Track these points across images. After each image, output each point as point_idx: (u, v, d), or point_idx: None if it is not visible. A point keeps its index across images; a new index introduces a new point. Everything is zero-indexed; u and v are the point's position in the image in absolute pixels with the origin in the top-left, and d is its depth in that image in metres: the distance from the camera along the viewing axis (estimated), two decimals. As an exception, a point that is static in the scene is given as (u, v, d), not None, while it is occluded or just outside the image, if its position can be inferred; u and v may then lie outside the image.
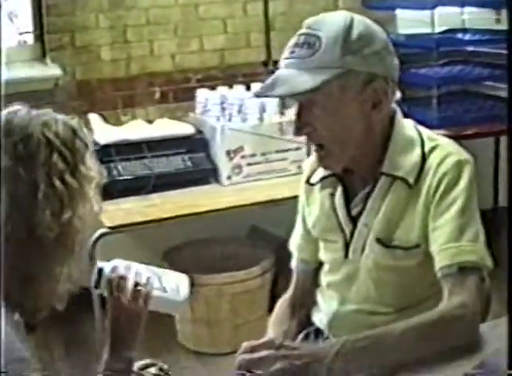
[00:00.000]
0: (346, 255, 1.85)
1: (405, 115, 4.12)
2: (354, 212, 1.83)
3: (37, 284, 1.37)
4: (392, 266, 1.75)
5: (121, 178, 3.33)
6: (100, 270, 1.63)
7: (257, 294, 3.53)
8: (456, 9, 4.25)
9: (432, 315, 1.64)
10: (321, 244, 1.96)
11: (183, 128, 3.65)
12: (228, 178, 3.53)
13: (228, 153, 3.51)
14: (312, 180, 1.94)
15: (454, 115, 3.92)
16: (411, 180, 1.76)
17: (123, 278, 1.60)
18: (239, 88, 3.84)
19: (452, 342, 1.60)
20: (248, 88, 3.86)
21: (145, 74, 3.90)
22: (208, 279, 3.42)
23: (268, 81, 1.72)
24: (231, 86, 3.88)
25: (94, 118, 3.55)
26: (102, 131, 3.44)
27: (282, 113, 3.69)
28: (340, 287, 1.86)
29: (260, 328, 3.58)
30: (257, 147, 3.56)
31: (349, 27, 1.69)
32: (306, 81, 1.65)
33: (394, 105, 1.85)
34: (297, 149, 3.64)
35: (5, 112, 1.42)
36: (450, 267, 1.67)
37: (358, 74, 1.69)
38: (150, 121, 3.79)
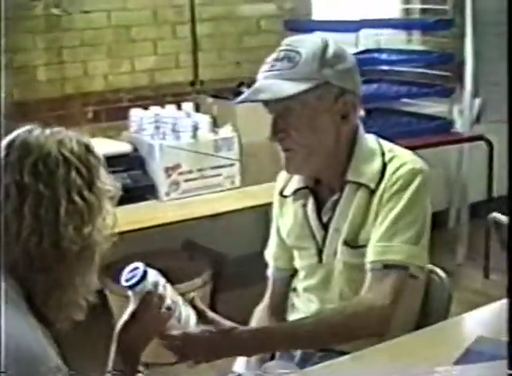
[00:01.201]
0: (320, 260, 2.02)
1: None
2: (325, 219, 2.01)
3: (61, 295, 1.44)
4: (360, 265, 1.92)
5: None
6: (145, 274, 1.69)
7: (198, 305, 3.66)
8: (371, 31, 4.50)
9: (339, 309, 1.91)
10: (295, 253, 2.12)
11: (121, 147, 3.76)
12: (167, 194, 3.67)
13: (166, 170, 3.65)
14: (286, 192, 2.11)
15: (371, 132, 4.12)
16: (372, 186, 1.95)
17: (161, 297, 1.68)
18: (171, 108, 3.98)
19: (358, 334, 1.85)
20: (179, 108, 4.01)
21: (79, 94, 3.99)
22: (154, 291, 3.53)
23: (250, 89, 1.91)
24: (162, 105, 4.01)
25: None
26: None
27: (214, 132, 3.85)
28: (317, 289, 2.03)
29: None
30: (193, 164, 3.71)
31: (326, 46, 1.90)
32: (288, 88, 1.85)
33: (358, 120, 2.03)
34: (231, 165, 3.82)
35: (18, 132, 1.49)
36: (375, 263, 1.88)
37: (332, 87, 1.89)
38: (86, 141, 3.87)
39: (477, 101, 4.65)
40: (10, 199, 1.40)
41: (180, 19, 4.24)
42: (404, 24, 4.70)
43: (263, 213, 4.54)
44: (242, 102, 1.98)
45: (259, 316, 2.19)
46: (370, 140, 2.04)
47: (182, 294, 3.54)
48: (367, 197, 1.96)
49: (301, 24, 4.48)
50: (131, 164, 3.72)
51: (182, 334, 1.75)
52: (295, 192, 2.09)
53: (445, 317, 2.00)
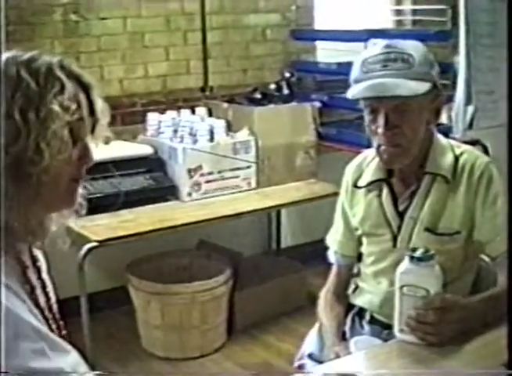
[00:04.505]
0: (394, 245, 2.18)
1: (335, 137, 4.48)
2: (401, 208, 2.17)
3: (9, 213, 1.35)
4: (439, 250, 2.03)
5: (92, 196, 3.50)
6: None
7: (221, 301, 3.79)
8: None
9: (497, 290, 2.03)
10: (366, 240, 2.26)
11: (142, 149, 3.88)
12: (189, 194, 3.80)
13: (189, 171, 3.78)
14: (360, 184, 2.26)
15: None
16: (449, 177, 2.12)
17: None
18: (186, 112, 4.12)
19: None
20: (193, 112, 4.15)
21: (95, 99, 4.07)
22: (183, 287, 3.65)
23: (365, 86, 2.01)
24: (173, 110, 4.15)
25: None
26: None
27: (230, 135, 4.00)
28: (388, 272, 2.16)
29: (222, 332, 3.87)
30: (213, 166, 3.86)
31: (426, 49, 2.08)
32: (418, 86, 1.99)
33: None
34: (248, 167, 3.98)
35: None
36: (504, 253, 2.03)
37: (435, 86, 2.05)
38: (106, 143, 3.97)
39: (470, 108, 4.86)
40: None
41: (191, 27, 4.38)
42: (408, 35, 4.87)
43: (276, 213, 4.73)
44: (369, 98, 2.04)
45: (327, 300, 2.33)
46: (440, 136, 2.21)
47: (211, 289, 3.70)
48: (444, 188, 2.13)
49: (307, 33, 4.66)
50: (151, 165, 3.85)
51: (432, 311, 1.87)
52: (370, 183, 2.23)
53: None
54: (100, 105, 1.50)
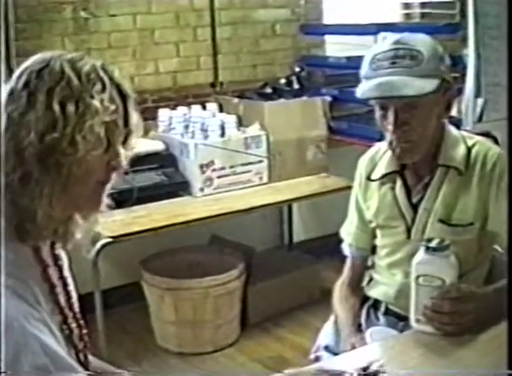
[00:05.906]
0: (408, 237, 2.19)
1: (346, 131, 4.49)
2: (414, 200, 2.18)
3: (20, 199, 1.38)
4: (453, 241, 2.03)
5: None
6: None
7: (234, 295, 3.81)
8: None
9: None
10: (380, 232, 2.28)
11: (154, 145, 3.89)
12: (201, 190, 3.81)
13: (201, 166, 3.80)
14: (373, 177, 2.27)
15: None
16: (462, 169, 2.13)
17: None
18: (197, 108, 4.14)
19: None
20: (204, 108, 4.16)
21: (107, 95, 4.10)
22: (196, 283, 3.67)
23: (373, 85, 2.01)
24: (184, 106, 4.16)
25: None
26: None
27: (241, 130, 4.01)
28: (403, 263, 2.18)
29: (236, 327, 3.89)
30: (225, 161, 3.88)
31: (437, 44, 2.07)
32: (424, 85, 1.99)
33: None
34: (260, 162, 3.99)
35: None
36: None
37: (445, 81, 2.05)
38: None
39: (480, 101, 4.85)
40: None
41: (201, 23, 4.40)
42: (417, 28, 4.88)
43: (287, 208, 4.75)
44: (380, 98, 2.04)
45: (342, 292, 2.34)
46: (452, 128, 2.21)
47: (224, 284, 3.72)
48: (457, 180, 2.14)
49: (316, 28, 4.66)
50: (163, 161, 3.87)
51: None
52: (383, 176, 2.24)
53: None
54: (135, 118, 1.51)
